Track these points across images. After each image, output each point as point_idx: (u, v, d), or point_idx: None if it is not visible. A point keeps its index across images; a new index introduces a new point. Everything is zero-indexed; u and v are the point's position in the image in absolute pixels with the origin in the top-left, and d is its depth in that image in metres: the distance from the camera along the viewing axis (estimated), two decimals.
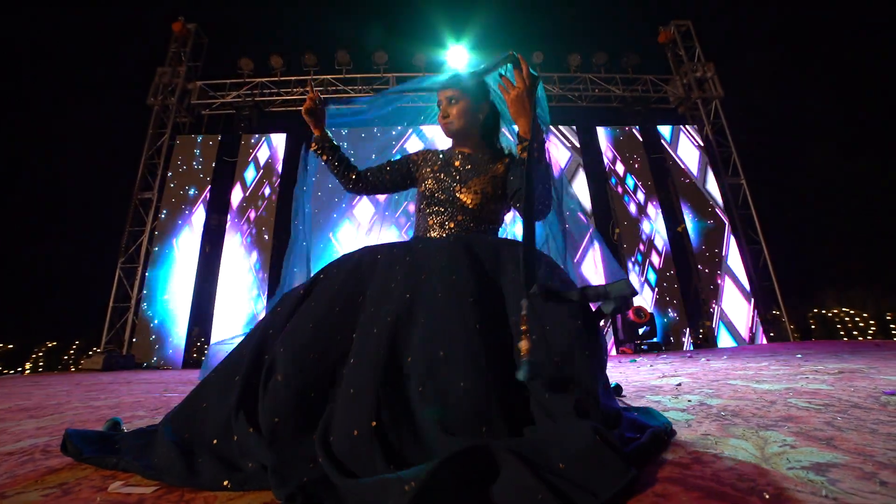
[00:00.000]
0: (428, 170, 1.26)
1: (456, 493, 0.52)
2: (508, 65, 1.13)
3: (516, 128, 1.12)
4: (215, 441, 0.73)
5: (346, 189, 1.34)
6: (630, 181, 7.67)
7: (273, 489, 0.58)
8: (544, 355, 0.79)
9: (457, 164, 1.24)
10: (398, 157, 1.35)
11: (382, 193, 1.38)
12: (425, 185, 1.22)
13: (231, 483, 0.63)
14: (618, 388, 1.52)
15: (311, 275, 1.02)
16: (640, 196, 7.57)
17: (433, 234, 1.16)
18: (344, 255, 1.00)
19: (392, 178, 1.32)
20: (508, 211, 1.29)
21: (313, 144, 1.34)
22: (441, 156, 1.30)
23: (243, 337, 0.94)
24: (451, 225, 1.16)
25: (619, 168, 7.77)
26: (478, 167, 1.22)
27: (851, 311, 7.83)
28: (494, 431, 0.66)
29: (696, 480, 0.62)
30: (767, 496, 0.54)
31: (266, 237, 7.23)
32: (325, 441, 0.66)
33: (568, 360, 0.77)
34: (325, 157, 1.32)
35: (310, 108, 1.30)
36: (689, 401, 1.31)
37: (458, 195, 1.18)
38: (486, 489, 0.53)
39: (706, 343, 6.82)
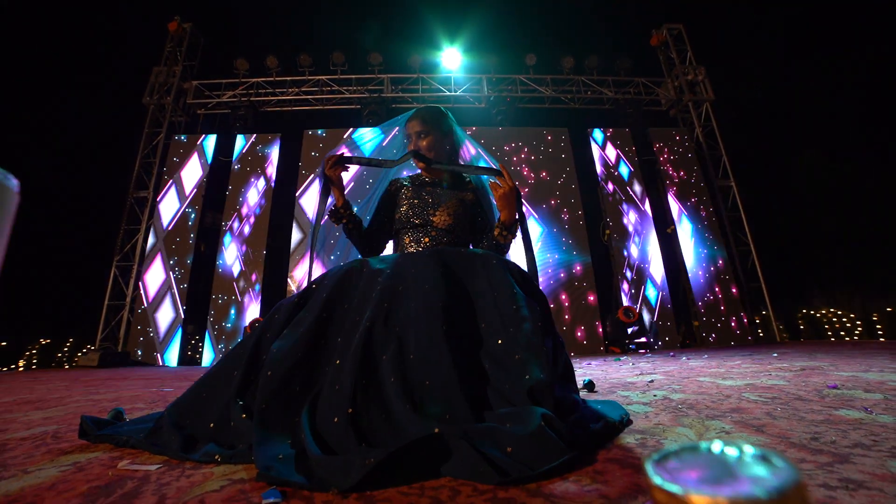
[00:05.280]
0: (402, 197, 1.39)
1: (410, 470, 0.63)
2: (492, 174, 1.29)
3: (498, 214, 1.30)
4: (212, 425, 0.83)
5: (363, 254, 1.39)
6: (621, 183, 7.79)
7: (254, 460, 0.67)
8: (509, 351, 0.89)
9: (427, 188, 1.39)
10: (377, 201, 1.45)
11: (390, 240, 1.46)
12: (400, 211, 1.36)
13: (222, 458, 0.73)
14: (591, 384, 1.62)
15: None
16: (631, 198, 7.69)
17: (411, 250, 1.30)
18: (335, 267, 1.10)
19: (389, 221, 1.42)
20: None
21: (339, 211, 1.34)
22: (408, 182, 1.44)
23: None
24: (426, 240, 1.31)
25: (610, 170, 7.89)
26: (447, 192, 1.38)
27: (839, 312, 7.97)
28: (457, 418, 0.75)
29: (633, 461, 0.71)
30: None
31: (261, 236, 7.29)
32: (311, 424, 0.75)
33: (527, 354, 0.87)
34: (346, 223, 1.35)
35: (337, 179, 1.32)
36: (655, 395, 1.41)
37: (431, 218, 1.32)
38: (438, 467, 0.63)
39: (694, 343, 6.96)
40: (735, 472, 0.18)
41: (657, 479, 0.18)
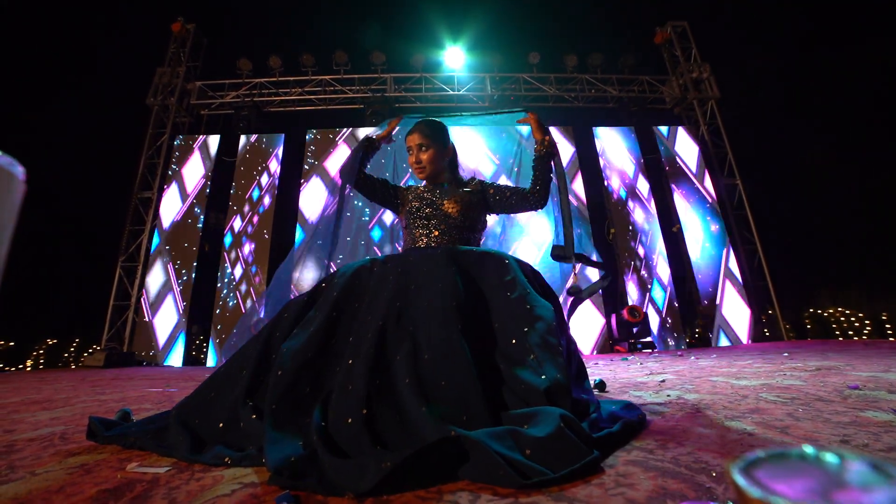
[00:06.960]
0: (411, 196, 1.41)
1: (427, 473, 0.60)
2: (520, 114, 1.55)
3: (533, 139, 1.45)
4: (221, 425, 0.81)
5: (351, 181, 1.49)
6: (626, 182, 7.75)
7: (266, 463, 0.65)
8: (524, 351, 0.87)
9: (433, 188, 1.42)
10: (392, 185, 1.54)
11: (371, 199, 1.52)
12: (410, 205, 1.37)
13: (232, 460, 0.71)
14: (602, 383, 1.59)
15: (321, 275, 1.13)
16: (636, 196, 7.65)
17: (421, 244, 1.28)
18: (345, 266, 1.08)
19: (384, 194, 1.48)
20: (485, 222, 1.47)
21: (374, 139, 1.55)
22: (419, 187, 1.47)
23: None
24: (437, 233, 1.28)
25: (615, 169, 7.84)
26: (452, 188, 1.41)
27: (847, 311, 7.87)
28: (473, 418, 0.73)
29: (657, 463, 0.69)
30: (714, 474, 0.62)
31: (264, 235, 7.29)
32: (321, 426, 0.73)
33: (543, 353, 0.85)
34: (372, 142, 1.54)
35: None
36: (669, 395, 1.38)
37: (441, 207, 1.31)
38: (456, 470, 0.61)
39: (701, 343, 6.91)
40: (841, 483, 0.15)
41: (756, 492, 0.16)
